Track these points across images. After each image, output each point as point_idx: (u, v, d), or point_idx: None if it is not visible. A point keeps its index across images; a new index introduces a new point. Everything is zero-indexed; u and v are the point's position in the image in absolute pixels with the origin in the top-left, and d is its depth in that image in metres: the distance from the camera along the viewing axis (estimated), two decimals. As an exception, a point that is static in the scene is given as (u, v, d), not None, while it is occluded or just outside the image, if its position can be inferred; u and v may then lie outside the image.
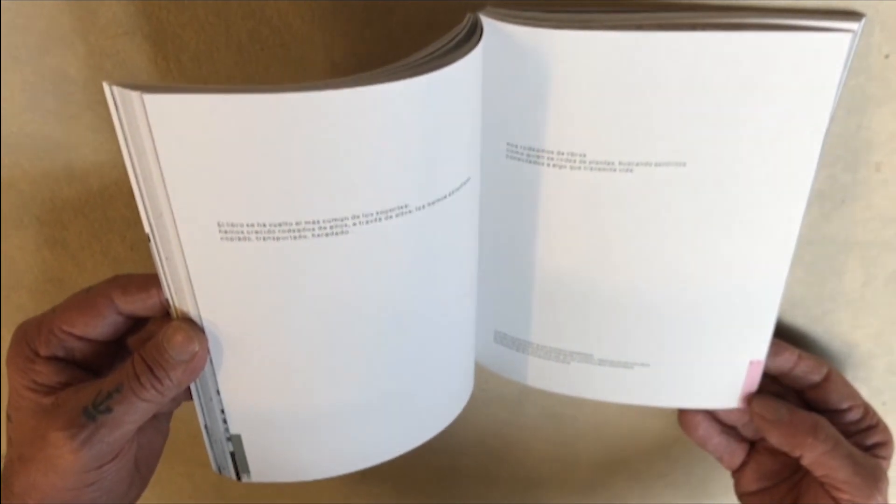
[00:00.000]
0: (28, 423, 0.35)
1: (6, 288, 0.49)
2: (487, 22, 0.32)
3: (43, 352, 0.35)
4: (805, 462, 0.40)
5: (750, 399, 0.42)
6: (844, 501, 0.39)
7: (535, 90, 0.33)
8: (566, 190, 0.36)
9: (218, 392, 0.36)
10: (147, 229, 0.32)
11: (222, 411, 0.37)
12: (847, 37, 0.31)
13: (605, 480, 0.59)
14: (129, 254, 0.46)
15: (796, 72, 0.32)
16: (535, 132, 0.35)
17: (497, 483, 0.61)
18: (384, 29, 0.35)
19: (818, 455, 0.39)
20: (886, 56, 0.34)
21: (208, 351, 0.34)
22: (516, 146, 0.35)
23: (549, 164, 0.36)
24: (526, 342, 0.43)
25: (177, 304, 0.34)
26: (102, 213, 0.44)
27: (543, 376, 0.44)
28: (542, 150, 0.35)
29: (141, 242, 0.45)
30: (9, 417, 0.36)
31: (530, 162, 0.36)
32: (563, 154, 0.35)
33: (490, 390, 0.52)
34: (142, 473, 0.39)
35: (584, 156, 0.35)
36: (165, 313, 0.35)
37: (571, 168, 0.35)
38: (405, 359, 0.38)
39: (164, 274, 0.33)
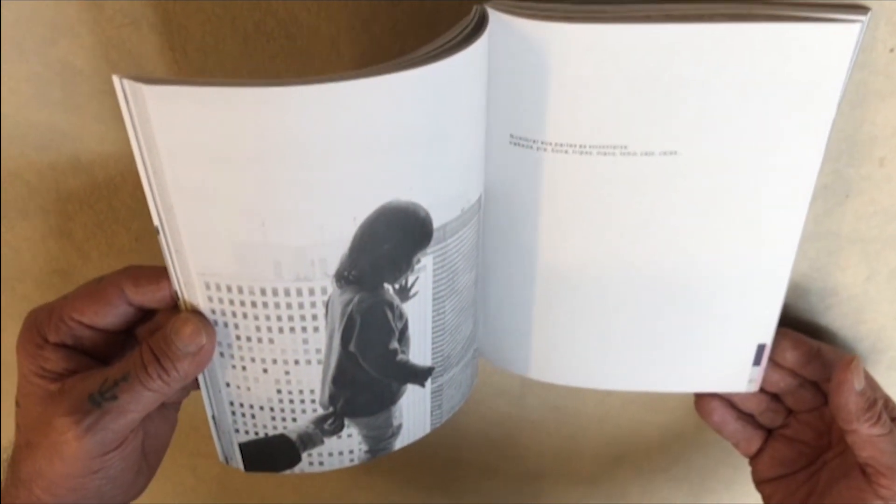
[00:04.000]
0: (35, 409, 0.35)
1: (11, 279, 0.49)
2: (494, 15, 0.32)
3: (52, 338, 0.36)
4: (852, 439, 0.40)
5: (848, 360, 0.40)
6: (883, 487, 0.39)
7: (541, 81, 0.33)
8: (572, 176, 0.36)
9: (227, 384, 0.37)
10: (156, 222, 0.32)
11: (231, 403, 0.37)
12: (856, 27, 0.31)
13: (606, 474, 0.59)
14: (134, 244, 0.46)
15: (805, 62, 0.32)
16: (539, 123, 0.35)
17: (499, 476, 0.61)
18: (389, 21, 0.35)
19: (871, 436, 0.39)
20: (891, 50, 0.34)
21: (216, 344, 0.35)
22: (519, 137, 0.36)
23: (552, 152, 0.36)
24: (533, 334, 0.43)
25: (186, 297, 0.34)
26: (108, 203, 0.44)
27: (552, 369, 0.44)
28: (546, 143, 0.35)
29: (146, 233, 0.45)
30: (18, 403, 0.37)
31: (534, 149, 0.36)
32: (574, 145, 0.35)
33: (492, 384, 0.52)
34: (149, 463, 0.39)
35: (590, 146, 0.35)
36: (175, 305, 0.35)
37: (581, 153, 0.35)
38: None
39: (174, 267, 0.33)
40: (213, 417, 0.38)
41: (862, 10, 0.32)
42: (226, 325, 0.35)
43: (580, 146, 0.35)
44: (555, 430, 0.55)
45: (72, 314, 0.36)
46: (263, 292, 0.33)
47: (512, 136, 0.35)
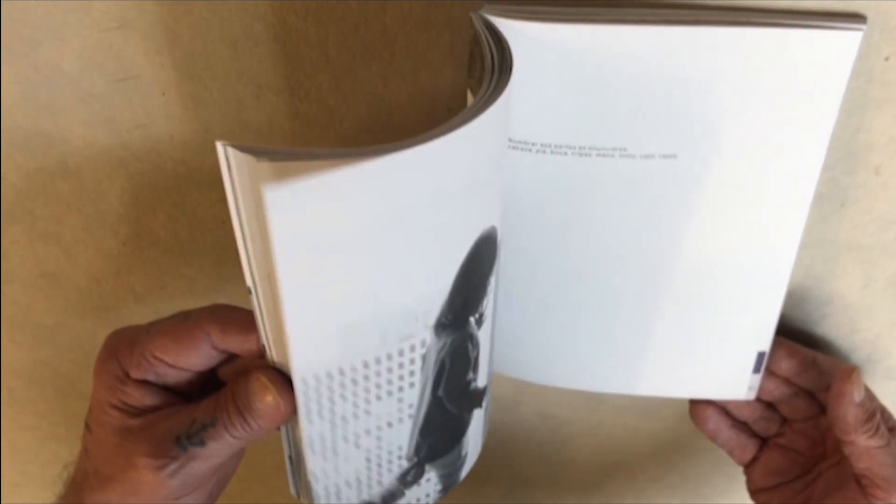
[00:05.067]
0: (110, 440, 0.35)
1: (-1, 282, 0.49)
2: (491, 19, 0.31)
3: (134, 374, 0.35)
4: (850, 450, 0.40)
5: (848, 369, 0.40)
6: (879, 499, 0.39)
7: (540, 84, 0.33)
8: (571, 179, 0.36)
9: (314, 475, 0.35)
10: (249, 283, 0.30)
11: (315, 489, 0.36)
12: (858, 35, 0.31)
13: (599, 482, 0.59)
14: (122, 249, 0.45)
15: (807, 69, 0.32)
16: (538, 126, 0.34)
17: (491, 483, 0.60)
18: (379, 25, 0.35)
19: (869, 448, 0.39)
20: (886, 58, 0.34)
21: (294, 407, 0.33)
22: (518, 141, 0.35)
23: (552, 154, 0.35)
24: (534, 338, 0.43)
25: (274, 357, 0.33)
26: (95, 207, 0.43)
27: (551, 373, 0.44)
28: (546, 145, 0.35)
29: (135, 238, 0.45)
30: (88, 427, 0.36)
31: (533, 152, 0.35)
32: (573, 147, 0.35)
33: (485, 390, 0.51)
34: (212, 496, 0.39)
35: (590, 148, 0.35)
36: (261, 355, 0.34)
37: (581, 155, 0.35)
38: None
39: (264, 326, 0.32)
40: (290, 457, 0.37)
41: (858, 18, 0.32)
42: (320, 415, 0.33)
43: (579, 148, 0.35)
44: (547, 438, 0.55)
45: (154, 352, 0.35)
46: (366, 365, 0.32)
47: (511, 139, 0.35)
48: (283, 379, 0.33)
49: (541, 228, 0.38)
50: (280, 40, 0.36)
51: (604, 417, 0.52)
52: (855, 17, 0.32)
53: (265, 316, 0.31)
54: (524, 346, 0.43)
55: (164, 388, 0.36)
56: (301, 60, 0.37)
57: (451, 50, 0.36)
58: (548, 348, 0.43)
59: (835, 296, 0.43)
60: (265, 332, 0.32)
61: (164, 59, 0.37)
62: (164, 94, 0.38)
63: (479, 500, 0.62)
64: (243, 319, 0.34)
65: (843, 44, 0.31)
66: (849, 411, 0.39)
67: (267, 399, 0.33)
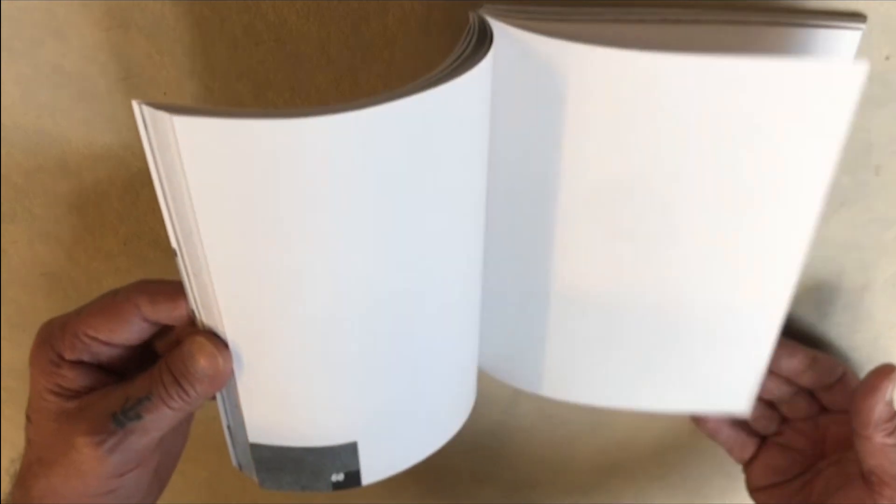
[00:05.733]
0: (49, 426, 0.34)
1: (-1, 282, 0.49)
2: (491, 21, 0.31)
3: (68, 356, 0.35)
4: (862, 446, 0.40)
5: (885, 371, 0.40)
6: (886, 497, 0.39)
7: (536, 97, 0.33)
8: (575, 195, 0.36)
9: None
10: (174, 244, 0.31)
11: None
12: (857, 34, 0.31)
13: (599, 482, 0.59)
14: (122, 248, 0.45)
15: (811, 103, 0.31)
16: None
17: (490, 484, 0.60)
18: (380, 25, 0.35)
19: (884, 445, 0.39)
20: (887, 58, 0.34)
21: (232, 366, 0.34)
22: None
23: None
24: (534, 350, 0.42)
25: (203, 320, 0.33)
26: (96, 207, 0.43)
27: (553, 385, 0.44)
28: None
29: (134, 237, 0.45)
30: (28, 419, 0.36)
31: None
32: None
33: (483, 391, 0.51)
34: (160, 478, 0.38)
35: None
36: (192, 322, 0.34)
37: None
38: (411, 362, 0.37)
39: (192, 289, 0.32)
40: (229, 427, 0.37)
41: (860, 17, 0.32)
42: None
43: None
44: (547, 437, 0.55)
45: (86, 331, 0.35)
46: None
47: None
48: (217, 340, 0.33)
49: (543, 242, 0.38)
50: (281, 40, 0.36)
51: (603, 417, 0.52)
52: (855, 17, 0.32)
53: (192, 277, 0.32)
54: (523, 358, 0.43)
55: (100, 368, 0.36)
56: (301, 60, 0.37)
57: (451, 50, 0.36)
58: (547, 361, 0.43)
59: (834, 296, 0.43)
60: (193, 295, 0.32)
61: (164, 59, 0.37)
62: (164, 94, 0.38)
63: (479, 500, 0.62)
64: (170, 288, 0.34)
65: (842, 43, 0.31)
66: (876, 408, 0.39)
67: (201, 361, 0.32)
